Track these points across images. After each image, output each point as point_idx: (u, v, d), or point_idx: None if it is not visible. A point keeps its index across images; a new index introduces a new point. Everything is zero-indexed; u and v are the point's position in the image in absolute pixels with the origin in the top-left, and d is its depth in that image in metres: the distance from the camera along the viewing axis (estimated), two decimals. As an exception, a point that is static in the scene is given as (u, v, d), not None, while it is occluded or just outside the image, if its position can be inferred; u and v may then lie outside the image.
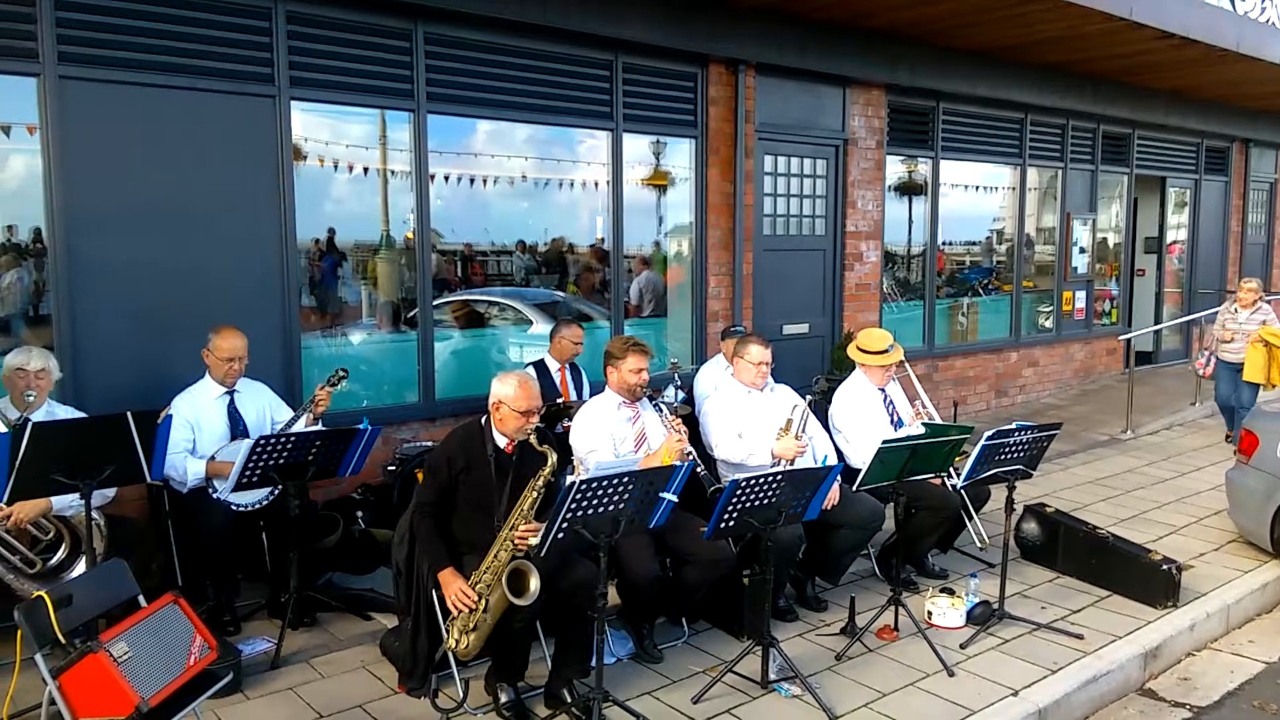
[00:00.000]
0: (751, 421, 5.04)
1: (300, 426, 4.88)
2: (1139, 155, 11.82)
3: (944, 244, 10.31)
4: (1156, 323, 12.39)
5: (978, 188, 10.51)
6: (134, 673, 2.98)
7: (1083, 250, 11.32)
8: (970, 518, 5.41)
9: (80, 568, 4.17)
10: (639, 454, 4.69)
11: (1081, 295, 11.44)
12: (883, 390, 5.58)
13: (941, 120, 9.48)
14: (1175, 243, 13.04)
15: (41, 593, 3.07)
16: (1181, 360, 12.87)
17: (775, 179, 8.25)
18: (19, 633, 3.01)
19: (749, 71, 7.73)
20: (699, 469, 4.90)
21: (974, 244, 10.83)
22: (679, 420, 4.81)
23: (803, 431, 4.95)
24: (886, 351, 5.55)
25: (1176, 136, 12.28)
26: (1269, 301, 8.85)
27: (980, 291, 10.75)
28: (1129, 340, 10.32)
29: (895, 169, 9.37)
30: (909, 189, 9.64)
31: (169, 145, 5.32)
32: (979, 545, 5.56)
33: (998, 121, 10.08)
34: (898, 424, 5.51)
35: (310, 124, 5.98)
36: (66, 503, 4.25)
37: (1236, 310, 8.77)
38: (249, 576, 5.05)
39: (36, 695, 3.16)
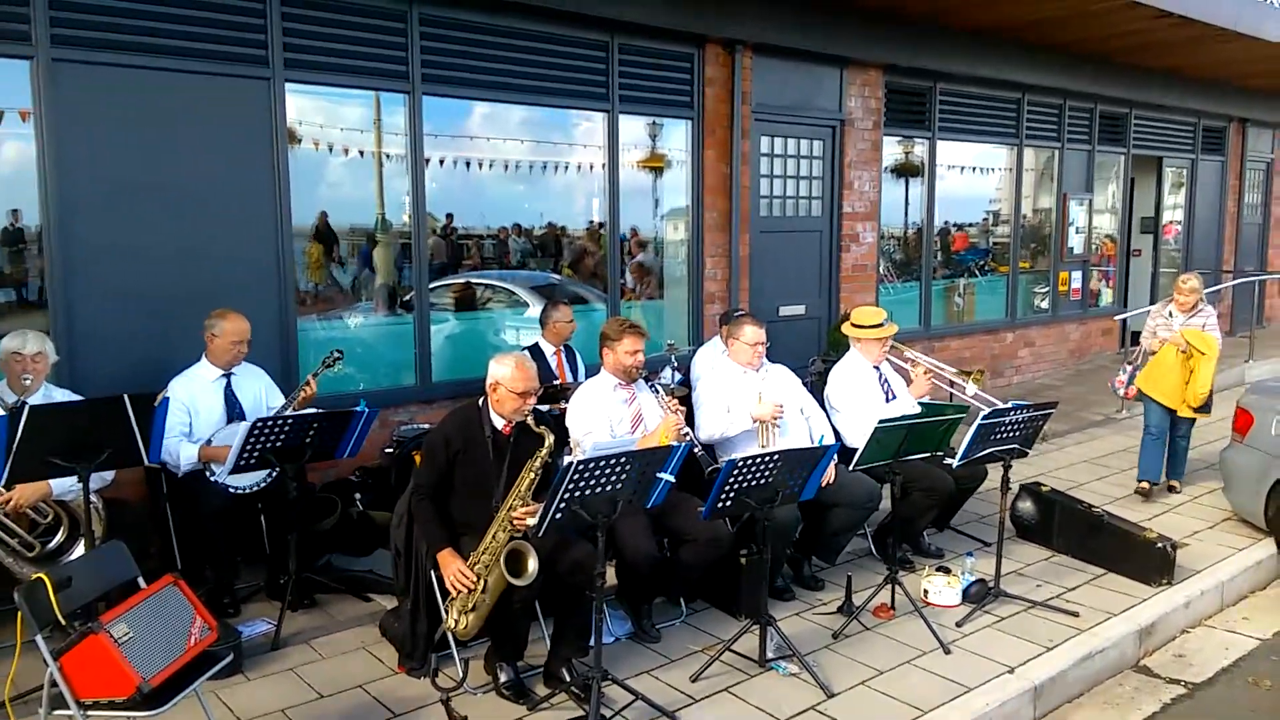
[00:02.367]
0: (745, 400, 5.04)
1: (293, 412, 4.88)
2: (1136, 135, 11.81)
3: (955, 225, 10.33)
4: (1152, 303, 12.38)
5: (974, 169, 10.49)
6: (135, 653, 2.99)
7: (1079, 230, 11.32)
8: None
9: (79, 551, 4.19)
10: (635, 435, 4.70)
11: (1078, 276, 11.45)
12: (877, 368, 5.59)
13: (939, 101, 9.45)
14: (1172, 223, 13.03)
15: (41, 574, 3.07)
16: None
17: (772, 160, 8.22)
18: (19, 615, 3.02)
19: (746, 52, 7.70)
20: (696, 450, 4.91)
21: (970, 225, 10.81)
22: (675, 400, 4.82)
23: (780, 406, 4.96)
24: (880, 325, 5.56)
25: (1174, 116, 12.26)
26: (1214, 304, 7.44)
27: (977, 273, 10.75)
28: (1124, 320, 10.33)
29: (892, 150, 9.35)
30: (906, 170, 9.62)
31: (164, 129, 5.29)
32: None
33: (995, 102, 10.05)
34: (891, 398, 5.53)
35: (306, 107, 5.94)
36: (65, 487, 4.26)
37: (1171, 314, 6.78)
38: (248, 559, 5.06)
39: (37, 678, 3.17)
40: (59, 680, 2.97)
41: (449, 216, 6.93)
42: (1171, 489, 6.88)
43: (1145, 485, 6.80)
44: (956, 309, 10.45)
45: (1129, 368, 7.01)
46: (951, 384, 5.80)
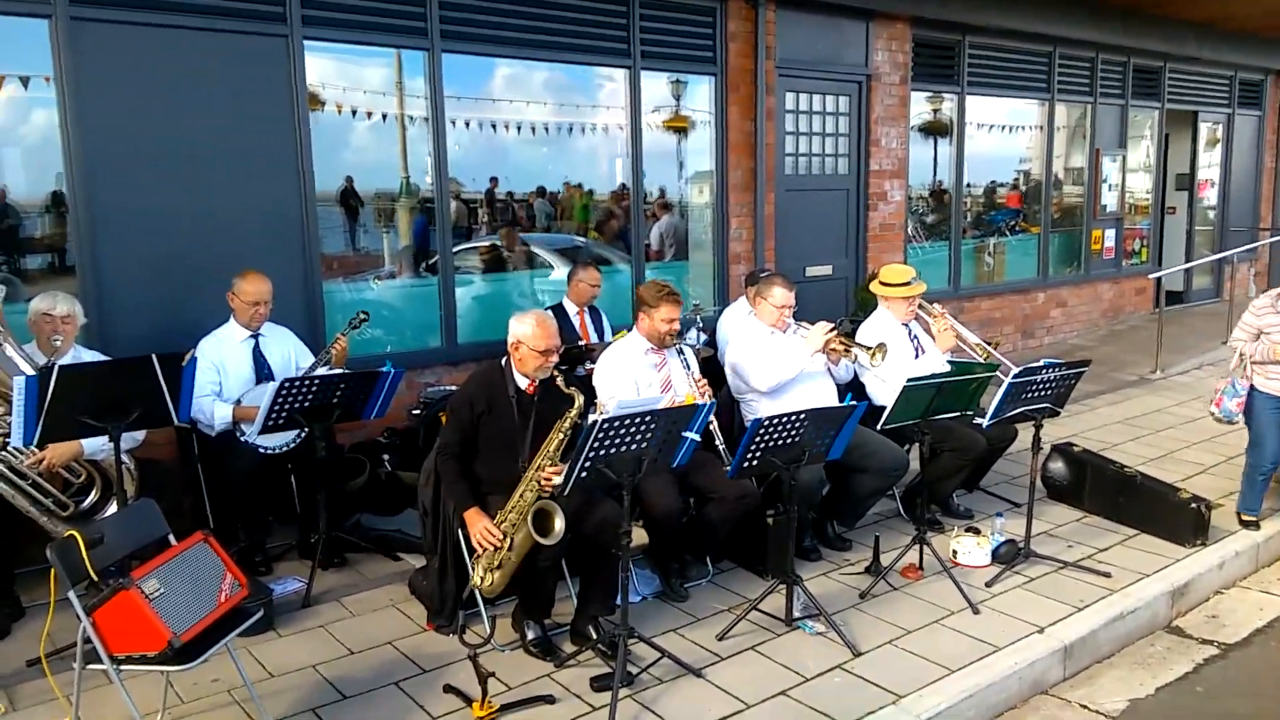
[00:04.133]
0: (784, 351, 4.97)
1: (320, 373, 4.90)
2: (1171, 89, 11.52)
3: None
4: (1187, 261, 12.17)
5: (1004, 127, 10.29)
6: (166, 609, 3.02)
7: (1112, 187, 11.10)
8: None
9: (112, 510, 4.23)
10: (663, 399, 4.65)
11: (1111, 234, 11.25)
12: (906, 326, 5.52)
13: (968, 54, 9.26)
14: (1207, 180, 12.75)
15: (73, 531, 3.10)
16: (1212, 300, 12.66)
17: (797, 117, 8.10)
18: (53, 572, 3.05)
19: (770, 5, 7.56)
20: (711, 424, 4.83)
21: (1002, 185, 10.62)
22: (705, 381, 4.75)
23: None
24: (909, 284, 5.49)
25: (1209, 69, 11.94)
26: None
27: (1007, 233, 10.59)
28: (1159, 279, 10.15)
29: (920, 108, 9.17)
30: (934, 129, 9.45)
31: (184, 89, 5.27)
32: None
33: (1026, 55, 9.84)
34: (919, 354, 5.47)
35: (328, 71, 5.90)
36: (97, 446, 4.30)
37: None
38: (279, 518, 5.12)
39: (72, 634, 3.21)
40: (92, 635, 3.01)
41: (493, 180, 6.94)
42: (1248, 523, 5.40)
43: (1254, 520, 5.40)
44: (986, 269, 10.31)
45: (1242, 384, 5.35)
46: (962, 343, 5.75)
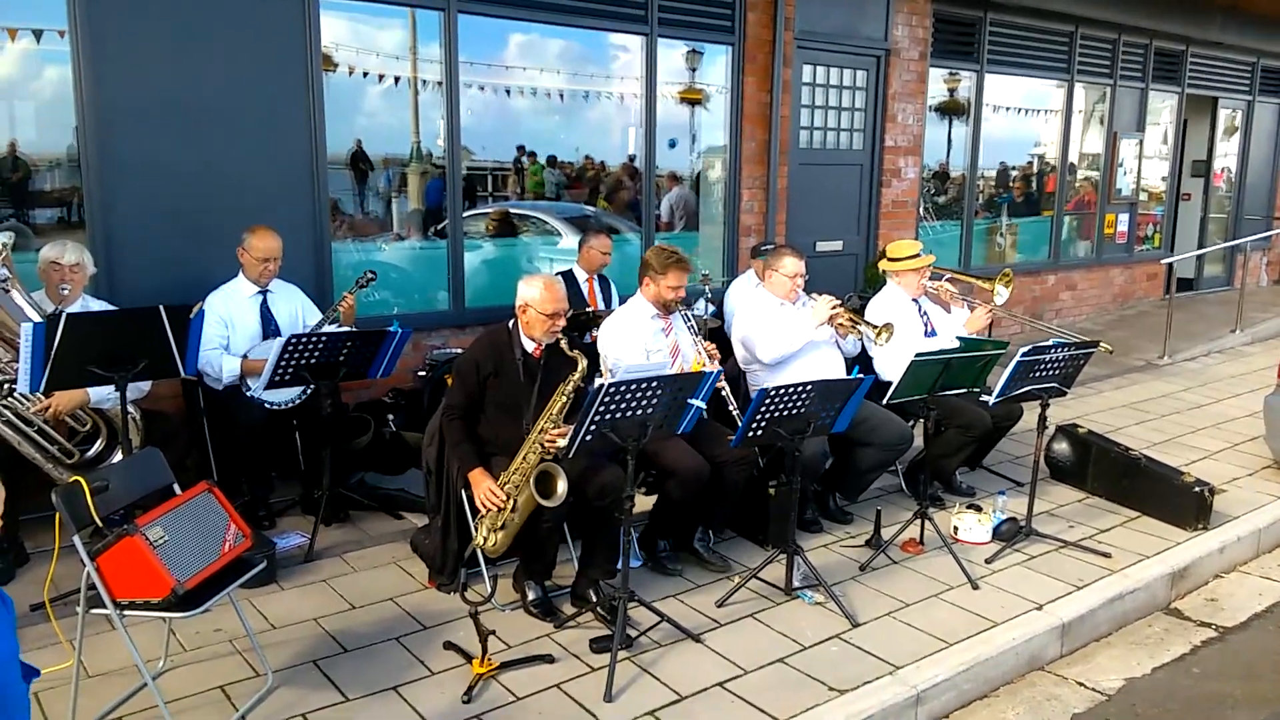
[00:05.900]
0: (790, 324, 4.96)
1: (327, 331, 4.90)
2: (1191, 74, 11.40)
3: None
4: (1200, 248, 12.08)
5: (1021, 110, 10.19)
6: (170, 556, 3.03)
7: (1127, 172, 11.02)
8: None
9: (117, 459, 4.25)
10: (674, 365, 4.63)
11: (1124, 218, 11.16)
12: (916, 302, 5.49)
13: (988, 31, 9.16)
14: (1224, 169, 12.64)
15: (78, 478, 3.11)
16: (1224, 287, 12.59)
17: (814, 90, 8.03)
18: (57, 519, 3.06)
19: (790, -24, 7.48)
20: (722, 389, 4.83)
21: (1016, 166, 10.53)
22: (713, 345, 4.73)
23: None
24: (916, 256, 5.45)
25: (1231, 55, 11.80)
26: None
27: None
28: (1170, 265, 10.09)
29: (938, 88, 9.08)
30: (951, 109, 9.36)
31: (199, 45, 5.23)
32: None
33: (1046, 34, 9.72)
34: (931, 333, 5.45)
35: (341, 31, 5.85)
36: (103, 395, 4.32)
37: None
38: (283, 474, 5.13)
39: (75, 580, 3.23)
40: (96, 581, 3.02)
41: (520, 148, 6.95)
42: None
43: None
44: (998, 249, 10.25)
45: None
46: (976, 294, 5.71)
